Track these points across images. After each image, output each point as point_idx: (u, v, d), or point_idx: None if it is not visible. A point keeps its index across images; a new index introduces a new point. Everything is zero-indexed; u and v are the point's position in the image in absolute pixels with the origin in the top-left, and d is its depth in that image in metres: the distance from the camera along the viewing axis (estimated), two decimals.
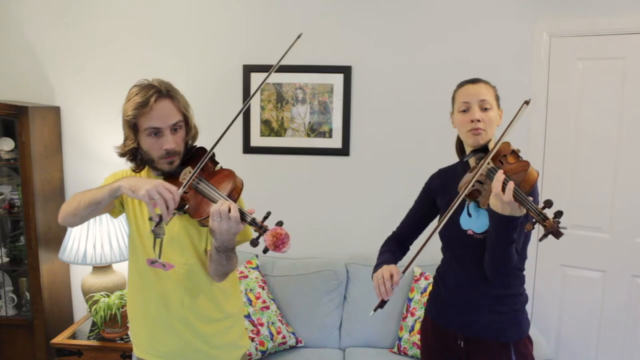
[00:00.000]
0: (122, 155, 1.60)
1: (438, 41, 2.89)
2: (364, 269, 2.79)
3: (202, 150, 1.61)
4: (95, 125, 3.06)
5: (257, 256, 2.87)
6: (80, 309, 3.17)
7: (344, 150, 3.00)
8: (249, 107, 2.99)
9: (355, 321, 2.76)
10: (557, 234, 1.33)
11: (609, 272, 2.76)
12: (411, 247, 1.90)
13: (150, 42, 3.00)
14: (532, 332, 1.78)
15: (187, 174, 1.54)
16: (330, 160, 3.02)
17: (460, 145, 1.79)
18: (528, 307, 1.78)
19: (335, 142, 2.99)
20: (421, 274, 2.72)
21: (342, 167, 3.02)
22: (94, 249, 2.67)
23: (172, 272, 1.59)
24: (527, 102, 1.55)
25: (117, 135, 1.63)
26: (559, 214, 1.34)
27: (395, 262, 1.71)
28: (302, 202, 3.05)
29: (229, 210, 1.36)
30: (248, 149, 3.03)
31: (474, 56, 2.85)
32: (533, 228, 1.39)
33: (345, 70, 2.93)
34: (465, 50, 2.86)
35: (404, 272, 1.54)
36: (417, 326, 2.55)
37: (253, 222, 1.38)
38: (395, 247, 1.87)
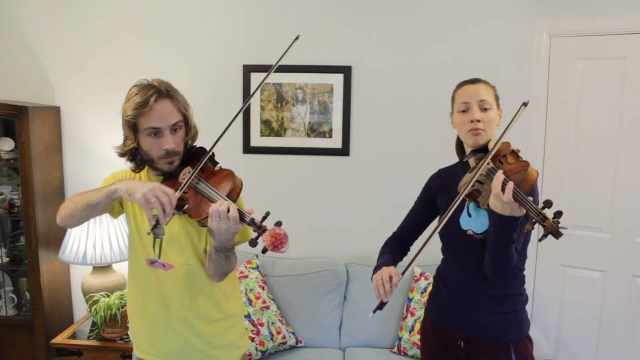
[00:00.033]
0: (121, 155, 1.60)
1: (438, 41, 2.89)
2: (364, 269, 2.79)
3: (202, 150, 1.61)
4: (95, 125, 3.06)
5: (257, 256, 2.87)
6: (80, 309, 3.18)
7: (344, 150, 3.00)
8: (248, 107, 2.99)
9: (355, 321, 2.76)
10: (557, 234, 1.32)
11: (609, 272, 2.76)
12: (411, 247, 1.90)
13: (150, 42, 3.00)
14: (532, 332, 1.78)
15: (186, 174, 1.55)
16: (330, 160, 3.02)
17: (460, 146, 1.79)
18: (528, 307, 1.78)
19: (335, 142, 2.99)
20: (421, 274, 2.72)
21: (342, 167, 3.02)
22: (94, 249, 2.67)
23: (172, 272, 1.59)
24: (525, 104, 1.54)
25: (117, 135, 1.63)
26: (558, 214, 1.34)
27: (394, 264, 1.71)
28: (302, 202, 3.05)
29: (228, 210, 1.36)
30: (248, 149, 3.03)
31: (474, 56, 2.85)
32: (533, 228, 1.39)
33: (345, 70, 2.93)
34: (465, 50, 2.86)
35: (403, 273, 1.54)
36: (417, 326, 2.55)
37: (252, 222, 1.38)
38: (396, 248, 1.86)
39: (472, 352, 1.69)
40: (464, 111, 1.66)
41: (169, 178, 1.59)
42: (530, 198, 1.39)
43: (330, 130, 2.99)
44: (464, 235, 1.68)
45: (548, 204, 1.36)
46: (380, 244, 1.91)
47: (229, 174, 1.54)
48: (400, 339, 2.63)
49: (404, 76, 2.93)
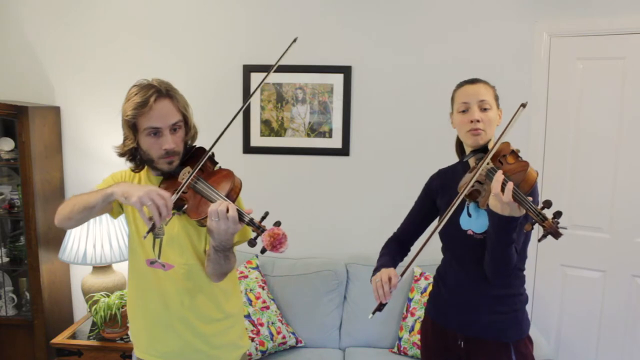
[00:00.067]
0: (121, 155, 1.61)
1: (438, 41, 2.89)
2: (364, 269, 2.79)
3: (202, 150, 1.61)
4: (95, 125, 3.06)
5: (257, 256, 2.87)
6: (80, 309, 3.18)
7: (344, 150, 3.00)
8: (248, 107, 2.99)
9: (355, 321, 2.76)
10: (556, 235, 1.32)
11: (609, 272, 2.76)
12: (412, 248, 1.90)
13: (150, 42, 3.00)
14: (532, 332, 1.77)
15: (186, 174, 1.55)
16: (330, 160, 3.02)
17: (460, 146, 1.79)
18: (528, 307, 1.78)
19: (335, 142, 2.99)
20: (421, 274, 2.72)
21: (342, 167, 3.02)
22: (94, 249, 2.67)
23: (172, 272, 1.59)
24: (523, 105, 1.54)
25: (117, 135, 1.63)
26: (558, 214, 1.34)
27: (394, 265, 1.71)
28: (302, 202, 3.05)
29: (227, 210, 1.36)
30: (248, 149, 3.03)
31: (474, 56, 2.85)
32: (532, 228, 1.39)
33: (345, 70, 2.93)
34: (465, 50, 2.86)
35: (402, 275, 1.54)
36: (417, 326, 2.55)
37: (251, 222, 1.38)
38: (396, 249, 1.86)
39: (472, 352, 1.69)
40: (463, 111, 1.66)
41: (169, 178, 1.59)
42: (530, 198, 1.39)
43: (330, 130, 2.99)
44: (464, 235, 1.68)
45: (547, 204, 1.36)
46: (380, 244, 1.91)
47: (228, 174, 1.54)
48: (400, 339, 2.63)
49: (404, 76, 2.93)
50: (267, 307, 2.65)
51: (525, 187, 1.42)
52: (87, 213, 1.52)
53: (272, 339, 2.57)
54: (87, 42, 3.03)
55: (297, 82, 2.96)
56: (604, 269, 2.77)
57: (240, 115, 2.98)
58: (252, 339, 2.52)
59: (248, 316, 2.57)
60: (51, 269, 2.94)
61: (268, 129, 3.01)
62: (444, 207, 1.74)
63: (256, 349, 2.52)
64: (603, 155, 2.73)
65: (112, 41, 3.01)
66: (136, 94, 1.51)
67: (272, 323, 2.61)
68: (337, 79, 2.94)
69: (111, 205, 1.59)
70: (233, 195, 1.49)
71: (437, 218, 1.85)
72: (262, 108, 3.00)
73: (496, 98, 1.69)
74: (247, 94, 2.97)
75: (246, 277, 2.72)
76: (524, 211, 1.40)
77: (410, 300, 2.67)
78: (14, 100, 2.94)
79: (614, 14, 2.64)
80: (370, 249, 2.64)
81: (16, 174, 3.02)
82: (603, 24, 2.66)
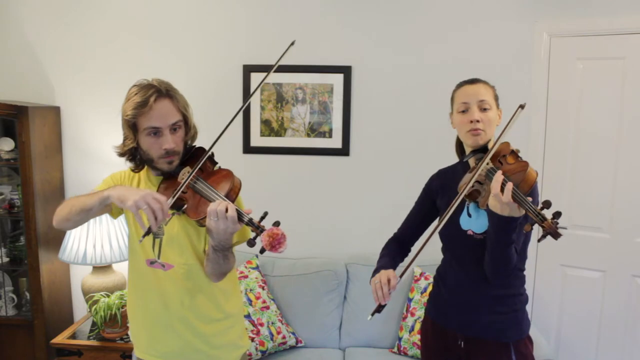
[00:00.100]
0: (121, 155, 1.61)
1: (438, 41, 2.89)
2: (364, 269, 2.78)
3: (201, 150, 1.62)
4: (95, 125, 3.06)
5: (257, 256, 2.87)
6: (80, 309, 3.18)
7: (344, 150, 3.00)
8: (248, 107, 2.99)
9: (355, 321, 2.76)
10: (555, 235, 1.32)
11: (609, 272, 2.76)
12: (412, 248, 1.90)
13: (150, 42, 3.00)
14: (532, 332, 1.77)
15: (185, 174, 1.55)
16: (330, 160, 3.02)
17: (460, 146, 1.79)
18: (528, 307, 1.78)
19: (335, 142, 2.99)
20: (421, 274, 2.72)
21: (342, 167, 3.02)
22: (94, 249, 2.67)
23: (172, 272, 1.59)
24: (522, 107, 1.54)
25: (117, 135, 1.63)
26: (557, 214, 1.34)
27: (393, 266, 1.71)
28: (302, 202, 3.05)
29: (226, 210, 1.36)
30: (248, 149, 3.03)
31: (474, 56, 2.85)
32: (531, 229, 1.39)
33: (345, 70, 2.93)
34: (465, 50, 2.86)
35: (401, 276, 1.54)
36: (417, 326, 2.55)
37: (250, 222, 1.38)
38: (396, 250, 1.86)
39: (472, 352, 1.69)
40: (463, 111, 1.66)
41: (168, 178, 1.60)
42: (530, 198, 1.39)
43: (330, 130, 2.99)
44: (464, 236, 1.68)
45: (547, 204, 1.36)
46: (380, 244, 1.91)
47: (227, 174, 1.54)
48: (400, 339, 2.63)
49: (404, 76, 2.93)
50: (267, 307, 2.65)
51: (525, 187, 1.42)
52: (84, 215, 1.53)
53: (272, 339, 2.57)
54: (87, 42, 3.03)
55: (297, 82, 2.96)
56: (604, 269, 2.77)
57: (240, 115, 2.98)
58: (252, 339, 2.52)
59: (248, 316, 2.57)
60: (51, 269, 2.94)
61: (268, 129, 3.01)
62: (444, 207, 1.74)
63: (256, 349, 2.52)
64: (603, 155, 2.72)
65: (112, 41, 3.01)
66: (136, 94, 1.51)
67: (272, 323, 2.61)
68: (337, 79, 2.94)
69: (110, 206, 1.59)
70: (232, 195, 1.49)
71: (437, 218, 1.85)
72: (262, 108, 3.00)
73: (496, 98, 1.69)
74: (247, 94, 2.97)
75: (246, 277, 2.72)
76: (524, 211, 1.40)
77: (410, 300, 2.67)
78: (14, 100, 2.94)
79: (614, 14, 2.64)
80: (370, 249, 2.64)
81: (16, 174, 3.02)
82: (603, 24, 2.66)
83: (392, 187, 2.98)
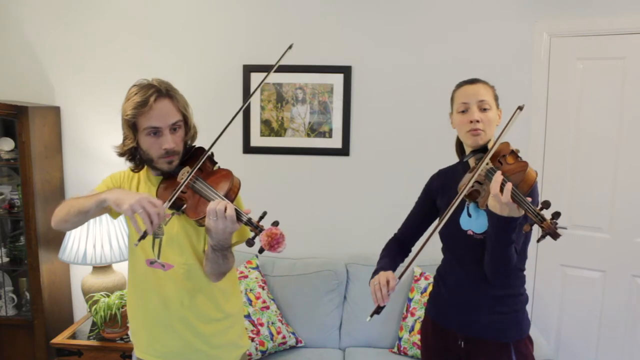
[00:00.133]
0: (121, 154, 1.61)
1: (438, 41, 2.89)
2: (364, 269, 2.78)
3: (201, 150, 1.62)
4: (95, 125, 3.06)
5: (257, 256, 2.86)
6: (80, 309, 3.18)
7: (344, 150, 3.00)
8: (248, 107, 2.99)
9: (355, 321, 2.76)
10: (554, 235, 1.32)
11: (609, 272, 2.76)
12: (412, 248, 1.90)
13: (150, 42, 3.00)
14: (532, 332, 1.77)
15: (185, 174, 1.55)
16: (330, 160, 3.02)
17: (460, 146, 1.79)
18: (528, 307, 1.78)
19: (335, 142, 2.99)
20: (421, 274, 2.72)
21: (342, 167, 3.02)
22: (94, 249, 2.67)
23: (172, 272, 1.59)
24: (520, 108, 1.54)
25: (117, 135, 1.63)
26: (556, 215, 1.34)
27: (394, 267, 1.72)
28: (302, 202, 3.05)
29: (225, 210, 1.37)
30: (248, 149, 3.03)
31: (474, 56, 2.85)
32: (531, 229, 1.39)
33: (345, 70, 2.93)
34: (465, 50, 2.86)
35: (400, 277, 1.54)
36: (417, 326, 2.55)
37: (249, 222, 1.38)
38: (396, 251, 1.86)
39: (472, 352, 1.69)
40: (463, 111, 1.66)
41: (168, 178, 1.60)
42: (529, 199, 1.38)
43: (330, 130, 2.99)
44: (464, 236, 1.68)
45: (546, 204, 1.35)
46: (381, 244, 1.91)
47: (227, 174, 1.54)
48: (400, 339, 2.63)
49: (404, 76, 2.93)
50: (267, 307, 2.65)
51: (525, 188, 1.42)
52: (82, 217, 1.53)
53: (272, 339, 2.57)
54: (87, 42, 3.03)
55: (297, 82, 2.96)
56: (604, 269, 2.77)
57: (240, 115, 2.98)
58: (252, 339, 2.52)
59: (248, 316, 2.57)
60: (51, 269, 2.94)
61: (268, 129, 3.01)
62: (444, 207, 1.74)
63: (256, 349, 2.52)
64: (603, 155, 2.72)
65: (112, 41, 3.01)
66: (136, 94, 1.51)
67: (272, 323, 2.61)
68: (337, 79, 2.94)
69: (109, 207, 1.60)
70: (232, 194, 1.49)
71: (438, 218, 1.85)
72: (262, 108, 3.00)
73: (496, 98, 1.69)
74: (247, 94, 2.97)
75: (246, 277, 2.72)
76: (523, 212, 1.40)
77: (410, 300, 2.67)
78: (14, 100, 2.94)
79: (614, 14, 2.64)
80: (370, 249, 2.64)
81: (16, 174, 3.02)
82: (603, 24, 2.66)
83: (392, 187, 2.98)
